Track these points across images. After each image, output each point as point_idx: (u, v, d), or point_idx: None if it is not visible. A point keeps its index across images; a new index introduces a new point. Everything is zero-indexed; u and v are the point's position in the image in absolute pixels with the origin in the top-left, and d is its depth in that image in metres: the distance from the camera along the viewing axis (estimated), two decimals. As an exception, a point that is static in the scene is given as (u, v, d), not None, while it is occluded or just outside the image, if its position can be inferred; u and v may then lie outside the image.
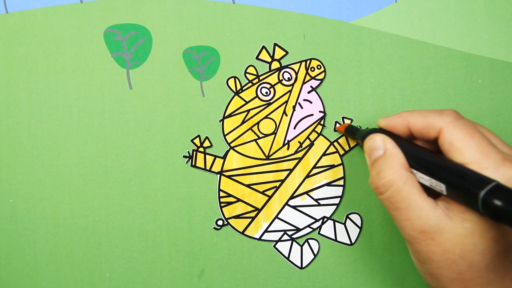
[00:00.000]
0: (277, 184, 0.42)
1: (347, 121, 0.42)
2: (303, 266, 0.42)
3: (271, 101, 0.42)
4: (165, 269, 0.42)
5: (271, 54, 0.42)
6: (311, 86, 0.42)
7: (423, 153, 0.34)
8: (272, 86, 0.42)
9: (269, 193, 0.42)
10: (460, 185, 0.30)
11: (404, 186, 0.32)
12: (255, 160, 0.42)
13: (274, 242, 0.42)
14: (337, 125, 0.42)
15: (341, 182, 0.43)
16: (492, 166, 0.30)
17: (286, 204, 0.42)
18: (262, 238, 0.42)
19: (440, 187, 0.31)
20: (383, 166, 0.34)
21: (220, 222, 0.42)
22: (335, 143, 0.43)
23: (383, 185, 0.33)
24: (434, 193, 0.33)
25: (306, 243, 0.43)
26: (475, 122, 0.35)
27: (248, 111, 0.42)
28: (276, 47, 0.42)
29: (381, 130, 0.37)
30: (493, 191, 0.28)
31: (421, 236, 0.32)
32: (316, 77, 0.42)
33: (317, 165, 0.42)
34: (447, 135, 0.33)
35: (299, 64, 0.42)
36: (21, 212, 0.41)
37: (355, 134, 0.39)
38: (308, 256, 0.42)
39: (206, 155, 0.42)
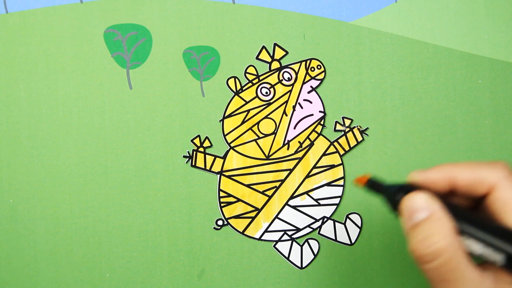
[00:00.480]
0: (277, 184, 0.42)
1: (365, 175, 0.34)
2: (303, 266, 0.42)
3: (271, 101, 0.42)
4: (165, 269, 0.42)
5: (271, 54, 0.42)
6: (311, 86, 0.42)
7: (475, 218, 0.30)
8: (272, 86, 0.42)
9: (269, 193, 0.42)
10: None
11: (454, 255, 0.29)
12: (255, 160, 0.42)
13: (274, 242, 0.42)
14: (356, 177, 0.35)
15: (341, 182, 0.43)
16: None
17: (286, 204, 0.42)
18: (262, 238, 0.42)
19: (494, 257, 0.28)
20: (431, 231, 0.29)
21: (220, 222, 0.42)
22: (335, 143, 0.43)
23: (432, 253, 0.29)
24: (479, 260, 0.30)
25: (306, 243, 0.43)
26: None
27: (248, 111, 0.42)
28: (276, 47, 0.42)
29: (413, 187, 0.31)
30: None
31: None
32: (316, 77, 0.42)
33: (317, 165, 0.42)
34: (501, 193, 0.29)
35: (299, 64, 0.42)
36: (21, 212, 0.41)
37: (381, 191, 0.33)
38: (308, 256, 0.42)
39: (206, 155, 0.42)
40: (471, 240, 0.29)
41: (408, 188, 0.31)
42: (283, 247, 0.42)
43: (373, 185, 0.33)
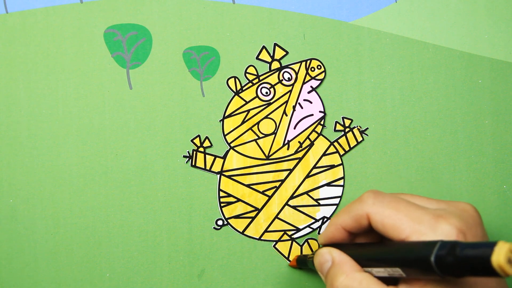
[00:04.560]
0: (277, 184, 0.42)
1: (295, 254, 0.42)
2: (303, 266, 0.42)
3: (271, 101, 0.42)
4: (165, 269, 0.42)
5: (271, 54, 0.42)
6: (311, 86, 0.42)
7: (368, 249, 0.34)
8: (272, 86, 0.42)
9: (269, 193, 0.42)
10: (411, 261, 0.30)
11: (360, 286, 0.32)
12: (255, 160, 0.42)
13: (274, 242, 0.42)
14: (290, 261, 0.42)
15: (341, 182, 0.43)
16: (429, 230, 0.31)
17: (286, 204, 0.42)
18: (262, 238, 0.42)
19: (397, 271, 0.31)
20: (334, 275, 0.33)
21: (220, 222, 0.42)
22: (335, 143, 0.43)
23: None
24: (395, 281, 0.32)
25: (306, 243, 0.43)
26: (396, 193, 0.36)
27: (248, 111, 0.42)
28: (276, 47, 0.42)
29: (326, 246, 0.37)
30: (441, 250, 0.28)
31: None
32: (316, 77, 0.42)
33: (317, 165, 0.42)
34: (375, 217, 0.33)
35: (299, 64, 0.42)
36: (21, 212, 0.41)
37: (307, 261, 0.39)
38: (308, 256, 0.42)
39: (206, 155, 0.42)
40: (374, 268, 0.32)
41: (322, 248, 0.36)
42: (283, 247, 0.42)
43: (300, 259, 0.41)
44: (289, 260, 0.42)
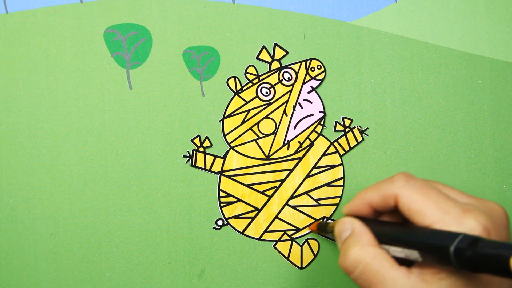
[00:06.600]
0: (277, 184, 0.42)
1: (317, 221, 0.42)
2: (303, 266, 0.42)
3: (271, 101, 0.42)
4: (165, 269, 0.42)
5: (271, 54, 0.42)
6: (311, 86, 0.42)
7: (389, 227, 0.34)
8: (272, 86, 0.42)
9: (269, 193, 0.42)
10: (430, 247, 0.30)
11: (373, 260, 0.32)
12: (255, 160, 0.42)
13: (274, 242, 0.42)
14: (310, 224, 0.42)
15: (341, 182, 0.43)
16: (454, 222, 0.31)
17: (286, 204, 0.42)
18: (262, 238, 0.42)
19: (414, 255, 0.31)
20: (350, 245, 0.34)
21: (220, 222, 0.42)
22: (335, 143, 0.43)
23: (351, 263, 0.33)
24: (409, 264, 0.33)
25: (306, 243, 0.43)
26: (429, 180, 0.36)
27: (248, 111, 0.42)
28: (276, 47, 0.42)
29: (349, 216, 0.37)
30: (462, 243, 0.28)
31: None
32: (316, 77, 0.42)
33: (317, 165, 0.42)
34: (403, 200, 0.33)
35: (299, 64, 0.42)
36: (21, 212, 0.41)
37: (327, 228, 0.40)
38: (308, 256, 0.43)
39: (206, 155, 0.42)
40: (392, 247, 0.32)
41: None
42: (283, 247, 0.42)
43: (321, 226, 0.41)
44: (288, 260, 0.42)
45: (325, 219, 0.42)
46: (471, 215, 0.31)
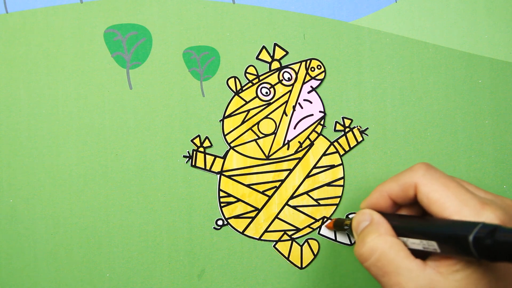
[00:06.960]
0: (277, 184, 0.42)
1: (333, 218, 0.42)
2: (303, 266, 0.42)
3: (271, 101, 0.42)
4: (165, 269, 0.42)
5: (271, 54, 0.42)
6: (311, 86, 0.42)
7: (407, 219, 0.34)
8: (272, 86, 0.42)
9: (269, 193, 0.42)
10: (449, 237, 0.30)
11: (390, 249, 0.32)
12: (255, 160, 0.42)
13: (274, 242, 0.42)
14: (328, 221, 0.42)
15: (341, 182, 0.43)
16: (472, 214, 0.31)
17: (286, 204, 0.42)
18: (262, 238, 0.42)
19: (432, 245, 0.31)
20: (367, 233, 0.34)
21: (220, 222, 0.42)
22: (335, 143, 0.43)
23: (367, 249, 0.33)
24: (424, 257, 0.33)
25: (306, 243, 0.43)
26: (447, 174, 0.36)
27: (248, 111, 0.42)
28: (276, 47, 0.42)
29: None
30: (481, 232, 0.28)
31: None
32: (316, 77, 0.42)
33: (317, 165, 0.42)
34: (423, 189, 0.33)
35: (299, 64, 0.42)
36: (21, 212, 0.41)
37: (343, 225, 0.40)
38: (308, 256, 0.43)
39: (206, 155, 0.42)
40: (410, 239, 0.32)
41: None
42: (283, 247, 0.42)
43: (338, 222, 0.41)
44: (288, 260, 0.42)
45: (325, 219, 0.42)
46: (489, 208, 0.31)
